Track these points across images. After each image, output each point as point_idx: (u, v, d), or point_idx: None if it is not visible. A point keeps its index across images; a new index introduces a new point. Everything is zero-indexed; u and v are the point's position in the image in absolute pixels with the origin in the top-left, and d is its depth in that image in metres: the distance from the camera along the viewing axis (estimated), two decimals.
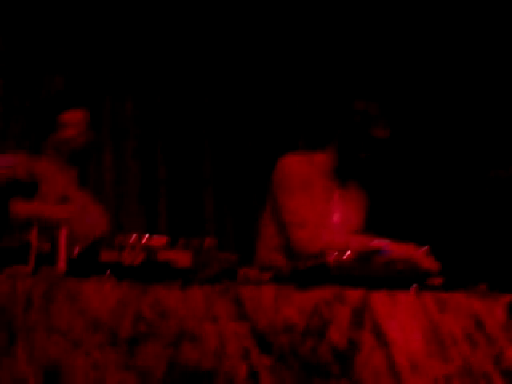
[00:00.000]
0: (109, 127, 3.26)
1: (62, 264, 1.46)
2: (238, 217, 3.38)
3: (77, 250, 1.50)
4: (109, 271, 1.47)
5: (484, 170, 3.73)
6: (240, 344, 1.46)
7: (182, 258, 1.59)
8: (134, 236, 1.57)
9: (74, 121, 2.29)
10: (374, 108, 2.42)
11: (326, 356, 1.57)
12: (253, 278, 1.67)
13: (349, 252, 1.79)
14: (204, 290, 1.48)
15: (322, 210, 2.40)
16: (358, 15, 3.72)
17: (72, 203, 2.12)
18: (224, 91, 3.50)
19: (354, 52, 3.73)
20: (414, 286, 1.78)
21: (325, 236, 2.31)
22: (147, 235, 1.58)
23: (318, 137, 3.47)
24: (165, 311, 1.41)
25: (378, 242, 2.20)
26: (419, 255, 2.16)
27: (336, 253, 1.78)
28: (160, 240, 1.59)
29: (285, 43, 3.63)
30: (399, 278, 1.80)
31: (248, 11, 3.53)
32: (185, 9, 3.43)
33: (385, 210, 3.60)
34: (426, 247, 2.19)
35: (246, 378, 1.44)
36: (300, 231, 2.30)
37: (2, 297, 1.29)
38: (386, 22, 3.76)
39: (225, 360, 1.42)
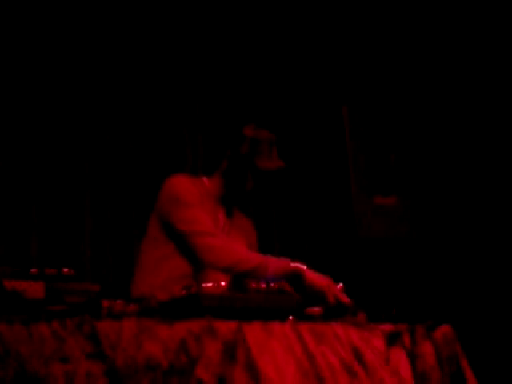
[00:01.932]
0: None
1: None
2: (116, 248, 3.19)
3: None
4: None
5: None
6: None
7: (32, 289, 1.42)
8: None
9: None
10: (264, 136, 2.31)
11: None
12: (117, 310, 1.52)
13: (223, 283, 1.68)
14: (52, 325, 1.31)
15: None
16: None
17: None
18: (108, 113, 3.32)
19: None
20: (291, 317, 1.69)
21: (239, 248, 2.21)
22: None
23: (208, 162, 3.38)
24: (5, 352, 1.23)
25: (297, 265, 2.11)
26: (336, 288, 2.08)
27: (210, 284, 1.67)
28: (5, 269, 1.42)
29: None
30: (276, 309, 1.71)
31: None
32: None
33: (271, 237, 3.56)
34: (341, 284, 2.11)
35: None
36: (206, 238, 2.16)
37: None
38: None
39: None
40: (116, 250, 3.17)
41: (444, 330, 2.03)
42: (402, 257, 3.77)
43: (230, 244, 2.21)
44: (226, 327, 1.54)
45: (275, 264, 2.11)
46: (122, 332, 1.39)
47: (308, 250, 3.66)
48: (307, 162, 3.77)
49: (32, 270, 1.48)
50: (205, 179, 2.37)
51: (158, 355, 1.42)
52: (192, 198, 2.23)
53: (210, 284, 1.67)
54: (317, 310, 1.87)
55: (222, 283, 1.68)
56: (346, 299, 2.05)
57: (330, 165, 3.82)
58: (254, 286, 1.77)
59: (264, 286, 1.77)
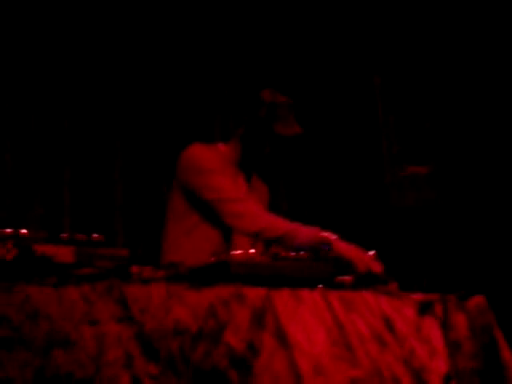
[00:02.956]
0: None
1: None
2: (144, 216, 3.21)
3: None
4: None
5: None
6: (123, 350, 1.31)
7: (62, 253, 1.42)
8: (7, 230, 1.39)
9: None
10: (282, 101, 2.26)
11: (221, 361, 1.44)
12: (146, 275, 1.52)
13: (253, 250, 1.67)
14: (82, 288, 1.32)
15: None
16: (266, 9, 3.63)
17: None
18: (133, 87, 3.30)
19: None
20: (320, 285, 1.67)
21: (268, 215, 2.19)
22: (23, 229, 1.41)
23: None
24: (35, 313, 1.24)
25: (327, 235, 2.08)
26: (367, 257, 2.04)
27: (240, 251, 1.66)
28: (39, 234, 1.42)
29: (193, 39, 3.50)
30: (305, 277, 1.70)
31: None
32: None
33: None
34: (374, 251, 2.07)
35: None
36: (234, 204, 2.14)
37: None
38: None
39: (104, 368, 1.27)
40: (148, 218, 3.19)
41: (477, 301, 2.00)
42: (434, 226, 3.72)
43: (259, 210, 2.19)
44: (254, 294, 1.53)
45: (304, 233, 2.09)
46: (151, 297, 1.40)
47: (340, 218, 3.64)
48: (340, 131, 3.72)
49: (62, 235, 1.48)
50: (221, 145, 2.35)
51: (186, 320, 1.42)
52: (214, 164, 2.22)
53: (239, 251, 1.66)
54: (347, 278, 1.85)
55: (252, 250, 1.67)
56: (377, 268, 2.02)
57: (362, 133, 3.77)
58: (284, 253, 1.75)
59: (294, 254, 1.76)
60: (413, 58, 3.85)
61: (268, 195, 2.48)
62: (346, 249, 2.05)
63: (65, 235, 1.49)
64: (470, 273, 3.51)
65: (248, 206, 2.16)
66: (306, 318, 1.59)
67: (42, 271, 1.37)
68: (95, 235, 1.54)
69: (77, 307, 1.29)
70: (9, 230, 1.38)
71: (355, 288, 1.81)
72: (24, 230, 1.41)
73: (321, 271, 1.78)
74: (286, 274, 1.66)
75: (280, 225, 2.12)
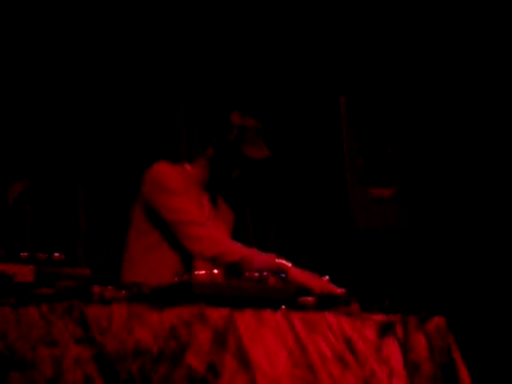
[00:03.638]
0: None
1: None
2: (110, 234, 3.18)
3: None
4: None
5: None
6: (81, 372, 1.29)
7: (22, 272, 1.40)
8: None
9: None
10: (251, 124, 2.28)
11: (182, 383, 1.43)
12: (107, 295, 1.51)
13: (216, 271, 1.67)
14: (42, 309, 1.30)
15: None
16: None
17: None
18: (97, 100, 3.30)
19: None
20: (283, 306, 1.68)
21: (226, 240, 2.20)
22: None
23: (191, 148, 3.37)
24: None
25: (283, 262, 2.09)
26: (323, 282, 2.06)
27: (203, 271, 1.66)
28: None
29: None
30: (268, 297, 1.70)
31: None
32: None
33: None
34: (327, 277, 2.10)
35: None
36: (193, 227, 2.15)
37: None
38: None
39: None
40: (109, 237, 3.16)
41: (437, 322, 2.03)
42: (398, 248, 3.77)
43: (217, 234, 2.19)
44: (217, 314, 1.53)
45: (260, 258, 2.10)
46: (112, 317, 1.38)
47: (305, 241, 3.66)
48: (303, 153, 3.75)
49: (22, 253, 1.46)
50: (187, 166, 2.35)
51: (147, 341, 1.41)
52: (178, 185, 2.21)
53: (202, 271, 1.66)
54: (310, 299, 1.86)
55: (215, 271, 1.67)
56: (335, 289, 2.04)
57: (326, 156, 3.81)
58: (247, 274, 1.76)
59: (257, 274, 1.76)
60: (378, 79, 3.92)
61: (233, 218, 2.48)
62: (301, 275, 2.07)
63: (25, 254, 1.47)
64: (432, 294, 3.56)
65: (207, 230, 2.16)
66: (268, 338, 1.59)
67: (1, 290, 1.35)
68: (56, 254, 1.52)
69: (36, 328, 1.28)
70: None
71: (317, 309, 1.82)
72: None
73: (283, 292, 1.79)
74: (248, 294, 1.66)
75: (237, 250, 2.12)
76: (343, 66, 3.89)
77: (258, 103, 3.49)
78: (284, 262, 2.10)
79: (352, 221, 3.79)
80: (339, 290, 2.02)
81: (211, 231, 2.18)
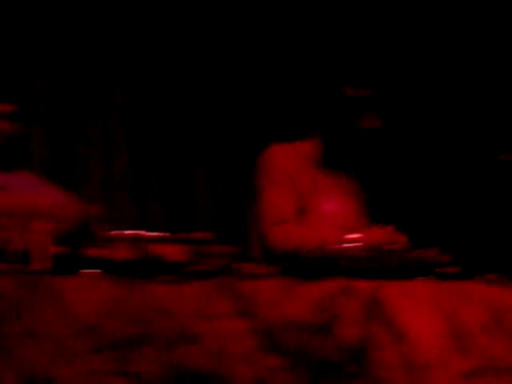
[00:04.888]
0: (97, 121, 3.15)
1: (40, 261, 1.33)
2: (232, 210, 3.29)
3: (58, 246, 1.37)
4: (96, 268, 1.35)
5: (490, 155, 3.63)
6: (241, 344, 1.33)
7: (176, 252, 1.46)
8: (124, 231, 1.45)
9: None
10: (363, 95, 2.28)
11: (336, 354, 1.44)
12: (254, 271, 1.55)
13: (359, 243, 1.67)
14: (201, 285, 1.35)
15: (313, 202, 2.29)
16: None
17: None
18: (210, 81, 3.38)
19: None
20: (430, 275, 1.66)
21: (299, 233, 2.20)
22: (138, 230, 1.46)
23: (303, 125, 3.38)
24: (160, 309, 1.28)
25: (352, 236, 2.06)
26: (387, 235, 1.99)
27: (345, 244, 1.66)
28: (152, 235, 1.47)
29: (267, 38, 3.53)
30: (412, 268, 1.68)
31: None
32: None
33: (383, 197, 3.50)
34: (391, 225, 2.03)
35: (250, 380, 1.32)
36: (274, 228, 2.20)
37: None
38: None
39: (226, 362, 1.29)
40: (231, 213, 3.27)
41: None
42: None
43: (291, 230, 2.20)
44: (363, 287, 1.53)
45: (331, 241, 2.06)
46: (264, 292, 1.41)
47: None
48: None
49: (174, 234, 1.52)
50: (301, 144, 2.35)
51: (299, 314, 1.43)
52: (279, 175, 2.24)
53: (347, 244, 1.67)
54: (451, 268, 1.82)
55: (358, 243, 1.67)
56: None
57: None
58: (386, 246, 1.74)
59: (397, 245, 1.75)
60: None
61: (359, 187, 2.46)
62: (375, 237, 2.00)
63: (176, 235, 1.53)
64: None
65: (281, 229, 2.18)
66: (416, 310, 1.58)
67: (159, 270, 1.42)
68: (204, 233, 1.57)
69: (196, 303, 1.33)
70: (128, 232, 1.43)
71: (459, 278, 1.78)
72: (141, 231, 1.46)
73: (425, 260, 1.76)
74: (393, 265, 1.65)
75: (312, 240, 2.11)
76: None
77: (365, 74, 3.43)
78: (355, 235, 2.06)
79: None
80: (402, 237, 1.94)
81: (286, 229, 2.19)
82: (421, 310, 1.57)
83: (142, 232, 1.45)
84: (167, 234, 1.50)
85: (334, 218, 2.28)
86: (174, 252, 1.47)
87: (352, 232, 2.27)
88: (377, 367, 1.49)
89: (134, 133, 3.26)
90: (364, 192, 2.46)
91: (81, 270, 1.36)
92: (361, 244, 1.65)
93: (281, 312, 1.42)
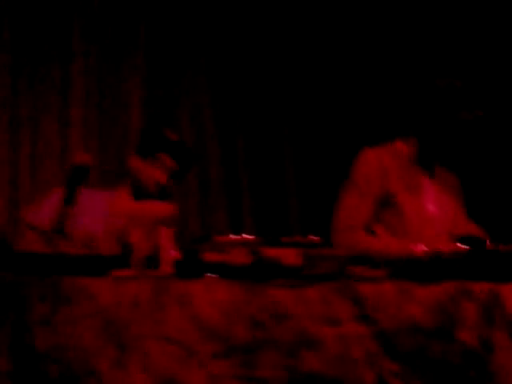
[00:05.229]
0: (188, 131, 3.21)
1: (166, 266, 1.36)
2: (324, 213, 3.29)
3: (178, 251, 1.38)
4: (214, 272, 1.35)
5: None
6: (364, 348, 1.31)
7: (289, 256, 1.45)
8: (237, 236, 1.45)
9: None
10: (460, 86, 2.19)
11: (456, 358, 1.40)
12: (367, 274, 1.52)
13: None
14: (319, 289, 1.33)
15: (411, 203, 2.22)
16: None
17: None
18: (303, 85, 3.40)
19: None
20: None
21: (365, 242, 2.15)
22: (246, 234, 1.46)
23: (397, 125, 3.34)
24: (281, 314, 1.27)
25: (415, 247, 1.99)
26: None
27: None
28: (260, 239, 1.46)
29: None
30: None
31: None
32: None
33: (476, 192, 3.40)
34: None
35: None
36: (342, 234, 2.15)
37: (107, 303, 1.18)
38: None
39: (350, 367, 1.27)
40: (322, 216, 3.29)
41: None
42: None
43: (354, 242, 2.13)
44: (480, 288, 1.48)
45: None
46: (383, 294, 1.39)
47: None
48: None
49: (284, 238, 1.51)
50: (399, 143, 2.28)
51: (419, 317, 1.40)
52: (363, 180, 2.18)
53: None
54: None
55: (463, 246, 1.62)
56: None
57: None
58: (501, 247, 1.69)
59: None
60: None
61: (457, 181, 2.39)
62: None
63: (286, 239, 1.52)
64: None
65: (345, 236, 2.13)
66: None
67: (274, 274, 1.41)
68: (313, 237, 1.56)
69: (316, 307, 1.32)
70: (246, 237, 1.44)
71: None
72: (251, 236, 1.46)
73: None
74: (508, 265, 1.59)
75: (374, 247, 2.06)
76: None
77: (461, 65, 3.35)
78: (419, 246, 1.99)
79: None
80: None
81: (352, 236, 2.14)
82: None
83: (254, 237, 1.45)
84: (281, 238, 1.49)
85: (433, 219, 2.22)
86: (288, 256, 1.46)
87: (452, 232, 2.22)
88: (499, 372, 1.44)
89: (227, 140, 3.32)
90: (462, 190, 2.38)
91: (198, 275, 1.37)
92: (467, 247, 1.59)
93: (400, 315, 1.39)
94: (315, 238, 1.57)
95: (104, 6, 3.13)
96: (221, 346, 1.23)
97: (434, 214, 2.24)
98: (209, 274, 1.34)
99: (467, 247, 1.63)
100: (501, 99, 3.47)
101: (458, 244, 1.68)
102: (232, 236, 1.48)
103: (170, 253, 1.37)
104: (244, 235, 1.47)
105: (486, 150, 3.39)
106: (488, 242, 1.88)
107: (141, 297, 1.20)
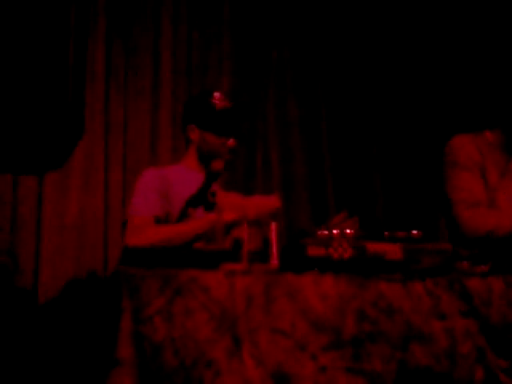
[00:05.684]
0: (274, 121, 3.25)
1: (275, 260, 1.38)
2: (408, 205, 3.27)
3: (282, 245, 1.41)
4: (318, 266, 1.37)
5: None
6: (472, 343, 1.30)
7: (392, 251, 1.45)
8: (338, 229, 1.46)
9: None
10: None
11: None
12: (470, 269, 1.50)
13: None
14: (426, 284, 1.33)
15: (499, 188, 2.22)
16: None
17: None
18: (387, 77, 3.39)
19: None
20: None
21: (493, 217, 2.16)
22: (347, 228, 1.47)
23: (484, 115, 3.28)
24: (389, 307, 1.28)
25: None
26: None
27: None
28: (362, 233, 1.47)
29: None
30: None
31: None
32: None
33: None
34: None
35: (482, 382, 1.28)
36: (467, 209, 2.18)
37: (221, 296, 1.22)
38: None
39: (459, 362, 1.26)
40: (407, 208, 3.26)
41: None
42: None
43: (486, 216, 2.15)
44: None
45: None
46: (490, 289, 1.37)
47: None
48: None
49: (385, 232, 1.51)
50: (487, 133, 2.32)
51: None
52: (465, 160, 2.23)
53: None
54: None
55: None
56: None
57: None
58: None
59: None
60: None
61: None
62: None
63: (387, 233, 1.52)
64: None
65: (473, 212, 2.15)
66: None
67: (380, 268, 1.42)
68: (414, 231, 1.55)
69: (424, 302, 1.31)
70: (347, 231, 1.45)
71: None
72: (351, 230, 1.47)
73: None
74: None
75: (505, 224, 2.07)
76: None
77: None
78: None
79: None
80: None
81: (479, 212, 2.15)
82: None
83: (353, 231, 1.46)
84: (375, 233, 1.49)
85: None
86: (392, 250, 1.46)
87: None
88: None
89: (311, 137, 3.34)
90: None
91: (302, 269, 1.39)
92: None
93: (508, 310, 1.37)
94: (417, 232, 1.56)
95: None
96: (330, 339, 1.24)
97: None
98: (312, 268, 1.36)
99: None
100: None
101: None
102: (334, 230, 1.50)
103: (278, 246, 1.39)
104: (346, 229, 1.48)
105: None
106: None
107: (253, 290, 1.22)
